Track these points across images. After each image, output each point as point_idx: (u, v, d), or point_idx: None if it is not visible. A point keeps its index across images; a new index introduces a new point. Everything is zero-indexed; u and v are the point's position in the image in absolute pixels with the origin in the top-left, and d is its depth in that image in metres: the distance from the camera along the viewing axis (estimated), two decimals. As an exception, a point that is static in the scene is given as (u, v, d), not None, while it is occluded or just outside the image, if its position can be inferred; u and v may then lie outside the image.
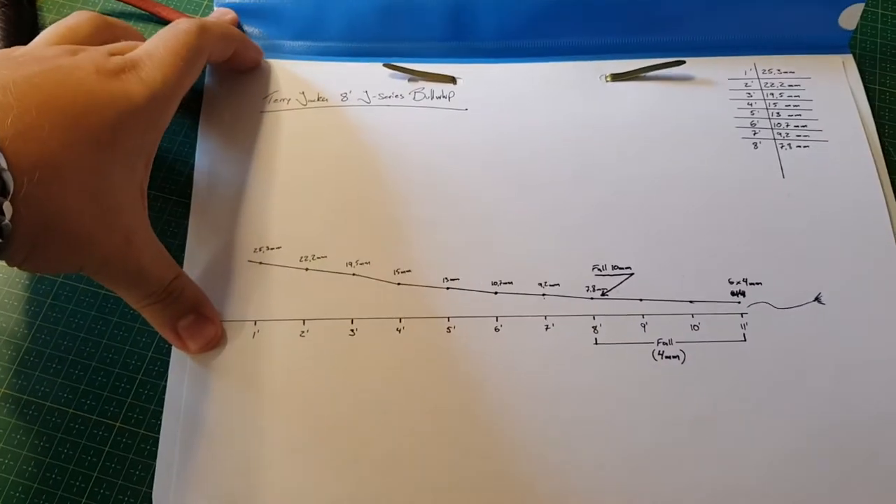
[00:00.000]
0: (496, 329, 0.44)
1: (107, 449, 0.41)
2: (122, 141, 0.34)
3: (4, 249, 0.30)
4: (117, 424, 0.41)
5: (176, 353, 0.42)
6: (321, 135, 0.49)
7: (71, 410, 0.41)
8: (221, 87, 0.51)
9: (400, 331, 0.43)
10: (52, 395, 0.42)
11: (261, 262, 0.44)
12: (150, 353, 0.43)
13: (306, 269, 0.44)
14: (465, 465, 0.40)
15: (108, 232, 0.33)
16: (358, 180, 0.46)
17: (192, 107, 0.50)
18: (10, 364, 0.43)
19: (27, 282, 0.45)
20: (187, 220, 0.45)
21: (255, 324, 0.43)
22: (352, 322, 0.43)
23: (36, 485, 0.40)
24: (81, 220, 0.32)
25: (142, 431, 0.41)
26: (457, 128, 0.49)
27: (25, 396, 0.42)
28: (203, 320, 0.40)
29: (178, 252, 0.44)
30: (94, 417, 0.41)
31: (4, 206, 0.30)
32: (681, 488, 0.40)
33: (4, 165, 0.30)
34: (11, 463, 0.40)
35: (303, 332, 0.43)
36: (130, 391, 0.42)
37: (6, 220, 0.30)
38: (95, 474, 0.40)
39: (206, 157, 0.49)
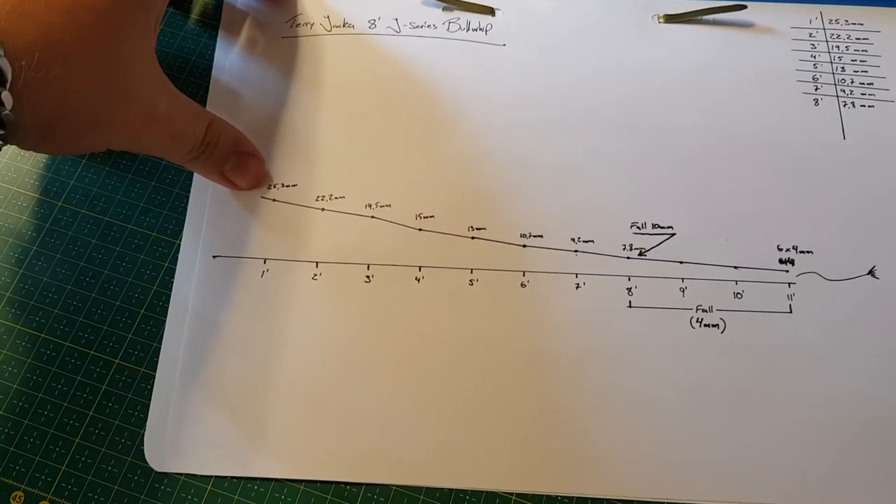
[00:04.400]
0: (522, 285, 0.40)
1: (104, 387, 0.38)
2: (127, 4, 0.31)
3: (8, 139, 0.29)
4: (116, 361, 0.39)
5: (178, 286, 0.40)
6: (345, 65, 0.46)
7: (67, 344, 0.39)
8: (242, 8, 0.47)
9: (419, 280, 0.40)
10: (47, 327, 0.39)
11: (274, 200, 0.42)
12: (154, 287, 0.40)
13: (322, 210, 0.42)
14: (481, 427, 0.38)
15: (127, 106, 0.32)
16: (382, 117, 0.44)
17: (215, 15, 0.47)
18: (3, 291, 0.40)
19: (23, 203, 0.43)
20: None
21: (265, 262, 0.41)
22: (367, 268, 0.41)
23: (27, 421, 0.37)
24: (93, 99, 0.30)
25: (142, 370, 0.39)
26: (492, 65, 0.46)
27: (18, 326, 0.40)
28: (246, 158, 0.40)
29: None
30: (91, 352, 0.39)
31: (3, 96, 0.27)
32: (713, 464, 0.37)
33: (1, 52, 0.27)
34: (1, 397, 0.37)
35: (315, 275, 0.40)
36: (132, 327, 0.40)
37: (6, 111, 0.28)
38: (91, 413, 0.38)
39: (223, 78, 0.45)
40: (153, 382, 0.39)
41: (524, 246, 0.41)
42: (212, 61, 0.45)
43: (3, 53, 0.27)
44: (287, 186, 0.42)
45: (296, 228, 0.41)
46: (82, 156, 0.43)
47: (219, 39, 0.46)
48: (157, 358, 0.39)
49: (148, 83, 0.33)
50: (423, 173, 0.42)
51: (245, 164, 0.40)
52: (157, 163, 0.44)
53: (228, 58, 0.46)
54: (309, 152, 0.43)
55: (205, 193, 0.42)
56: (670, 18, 0.47)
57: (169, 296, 0.40)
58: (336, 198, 0.42)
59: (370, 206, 0.42)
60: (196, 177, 0.43)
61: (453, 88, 0.44)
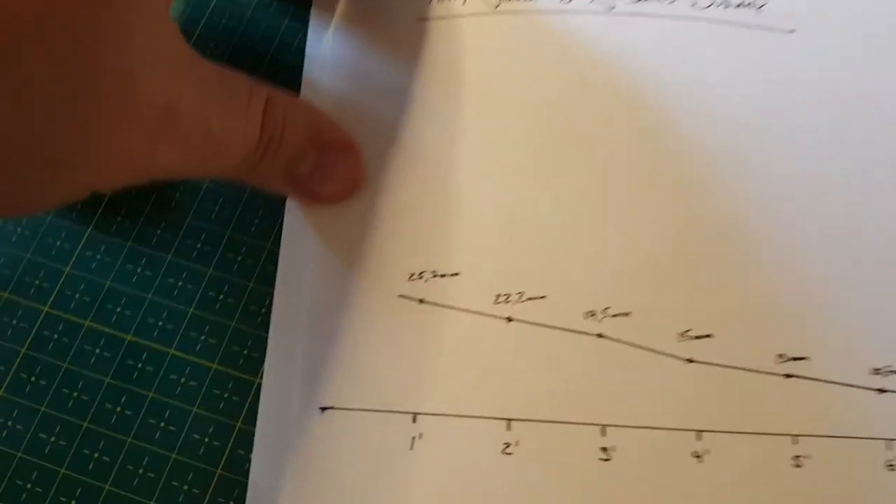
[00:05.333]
0: (891, 466, 0.23)
1: None
2: None
3: None
4: None
5: (259, 468, 0.24)
6: (525, 61, 0.28)
7: None
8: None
9: (699, 457, 0.24)
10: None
11: (421, 301, 0.26)
12: (220, 465, 0.22)
13: (508, 321, 0.25)
14: None
15: (124, 108, 0.20)
16: (595, 150, 0.27)
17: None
18: None
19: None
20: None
21: (415, 420, 0.25)
22: (603, 432, 0.24)
23: None
24: (57, 105, 0.19)
25: None
26: (772, 65, 0.28)
27: None
28: (331, 151, 0.26)
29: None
30: None
31: None
32: None
33: None
34: None
35: (508, 444, 0.24)
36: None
37: None
38: None
39: (319, 79, 0.29)
40: None
41: (881, 391, 0.24)
42: (295, 49, 0.29)
43: None
44: (442, 276, 0.26)
45: (466, 356, 0.25)
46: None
47: (311, 19, 0.29)
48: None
49: (159, 62, 0.21)
50: (682, 256, 0.26)
51: (331, 160, 0.26)
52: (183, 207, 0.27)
53: (326, 46, 0.29)
54: (479, 214, 0.27)
55: (298, 290, 0.26)
56: None
57: (246, 484, 0.24)
58: (531, 298, 0.25)
59: (593, 314, 0.25)
60: (284, 254, 0.27)
61: (704, 104, 0.27)
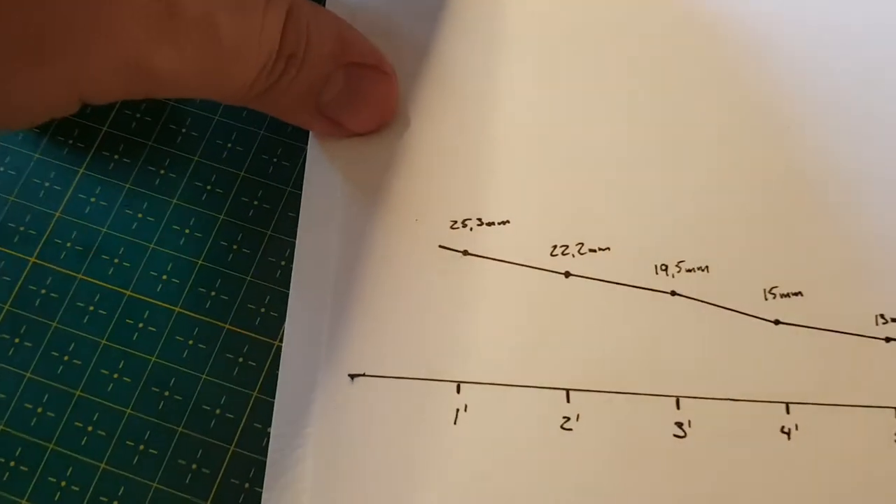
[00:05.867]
0: None
1: None
2: None
3: None
4: None
5: (279, 436, 0.22)
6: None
7: None
8: None
9: (788, 432, 0.21)
10: None
11: (465, 252, 0.23)
12: (234, 439, 0.21)
13: (566, 276, 0.22)
14: None
15: (126, 5, 0.18)
16: (665, 75, 0.24)
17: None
18: None
19: None
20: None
21: (459, 390, 0.22)
22: (677, 404, 0.21)
23: None
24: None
25: None
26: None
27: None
28: (362, 71, 0.23)
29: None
30: None
31: None
32: None
33: None
34: None
35: (566, 419, 0.21)
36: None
37: None
38: None
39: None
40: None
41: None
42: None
43: None
44: (489, 224, 0.23)
45: (518, 317, 0.23)
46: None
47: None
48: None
49: None
50: (769, 204, 0.23)
51: (361, 83, 0.23)
52: (190, 145, 0.25)
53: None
54: (529, 154, 0.24)
55: (323, 240, 0.24)
56: None
57: (264, 464, 0.21)
58: (593, 250, 0.23)
59: (665, 268, 0.23)
60: (307, 198, 0.24)
61: (805, 40, 0.24)
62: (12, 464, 0.21)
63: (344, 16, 0.24)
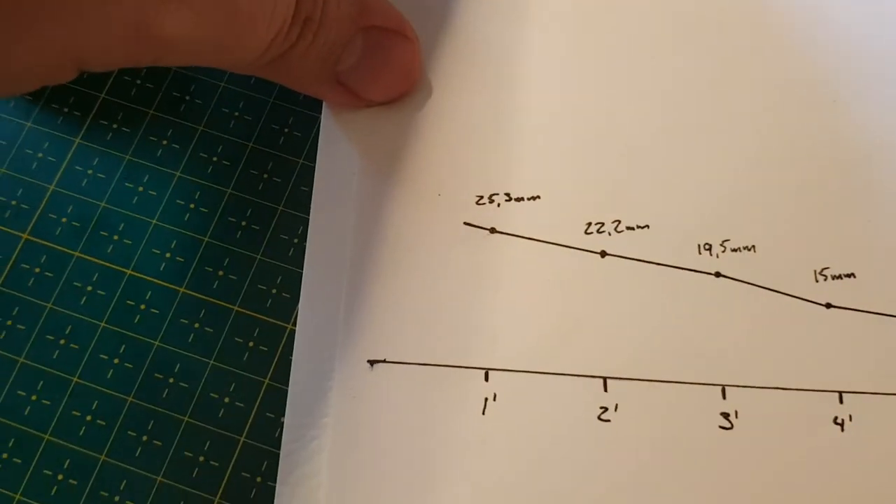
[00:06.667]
0: None
1: None
2: None
3: None
4: None
5: (293, 427, 0.21)
6: None
7: None
8: None
9: (842, 424, 0.20)
10: None
11: (493, 230, 0.22)
12: (245, 431, 0.20)
13: (602, 255, 0.21)
14: None
15: None
16: (707, 43, 0.23)
17: None
18: None
19: None
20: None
21: (487, 378, 0.21)
22: (723, 393, 0.20)
23: None
24: None
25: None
26: None
27: None
28: (382, 36, 0.22)
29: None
30: None
31: None
32: None
33: None
34: None
35: (604, 409, 0.20)
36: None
37: None
38: None
39: None
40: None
41: None
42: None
43: None
44: (518, 200, 0.22)
45: (550, 300, 0.21)
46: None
47: None
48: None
49: None
50: (821, 179, 0.22)
51: (381, 49, 0.22)
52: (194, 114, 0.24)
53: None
54: (561, 125, 0.23)
55: (338, 216, 0.23)
56: None
57: (277, 456, 0.20)
58: (630, 228, 0.22)
59: (709, 248, 0.21)
60: (321, 171, 0.23)
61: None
62: (5, 455, 0.20)
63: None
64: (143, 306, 0.21)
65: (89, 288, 0.21)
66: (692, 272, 0.21)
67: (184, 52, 0.18)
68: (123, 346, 0.21)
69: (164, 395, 0.20)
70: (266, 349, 0.21)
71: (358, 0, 0.21)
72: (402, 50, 0.22)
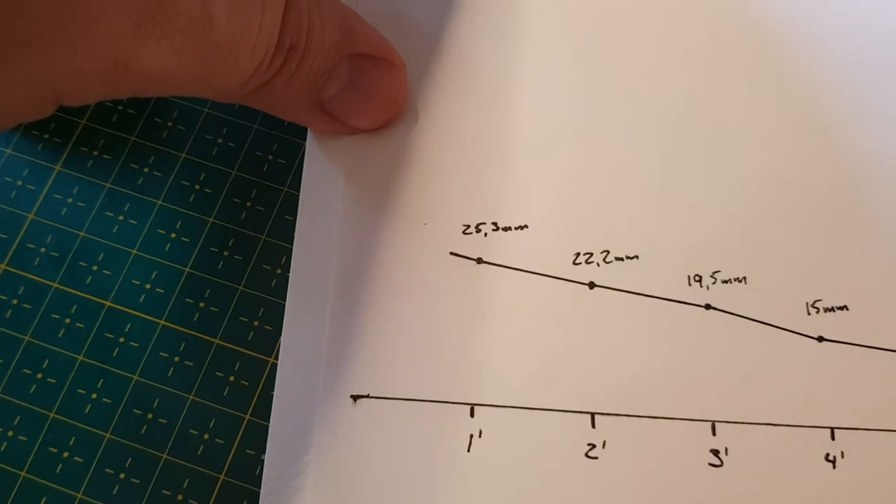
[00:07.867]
0: None
1: None
2: None
3: None
4: None
5: (273, 466, 0.20)
6: None
7: None
8: None
9: (833, 461, 0.20)
10: None
11: (479, 260, 0.22)
12: (224, 469, 0.20)
13: (590, 285, 0.21)
14: None
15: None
16: (695, 69, 0.23)
17: None
18: None
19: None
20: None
21: (473, 414, 0.20)
22: (712, 430, 0.20)
23: None
24: None
25: None
26: None
27: None
28: (368, 63, 0.22)
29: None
30: None
31: None
32: None
33: None
34: None
35: (591, 446, 0.20)
36: None
37: None
38: None
39: None
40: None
41: None
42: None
43: None
44: (505, 230, 0.22)
45: (537, 333, 0.21)
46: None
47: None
48: None
49: None
50: (813, 209, 0.22)
51: (367, 77, 0.22)
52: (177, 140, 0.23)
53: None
54: (550, 153, 0.22)
55: (323, 245, 0.22)
56: None
57: (257, 494, 0.20)
58: (619, 258, 0.21)
59: (699, 279, 0.21)
60: (305, 200, 0.23)
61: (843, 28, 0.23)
62: (-21, 493, 0.20)
63: (349, 3, 0.22)
64: (122, 339, 0.21)
65: (67, 320, 0.21)
66: (682, 304, 0.20)
67: (165, 84, 0.18)
68: (101, 381, 0.20)
69: (142, 431, 0.20)
70: (247, 384, 0.20)
71: (343, 27, 0.21)
72: (388, 78, 0.22)
